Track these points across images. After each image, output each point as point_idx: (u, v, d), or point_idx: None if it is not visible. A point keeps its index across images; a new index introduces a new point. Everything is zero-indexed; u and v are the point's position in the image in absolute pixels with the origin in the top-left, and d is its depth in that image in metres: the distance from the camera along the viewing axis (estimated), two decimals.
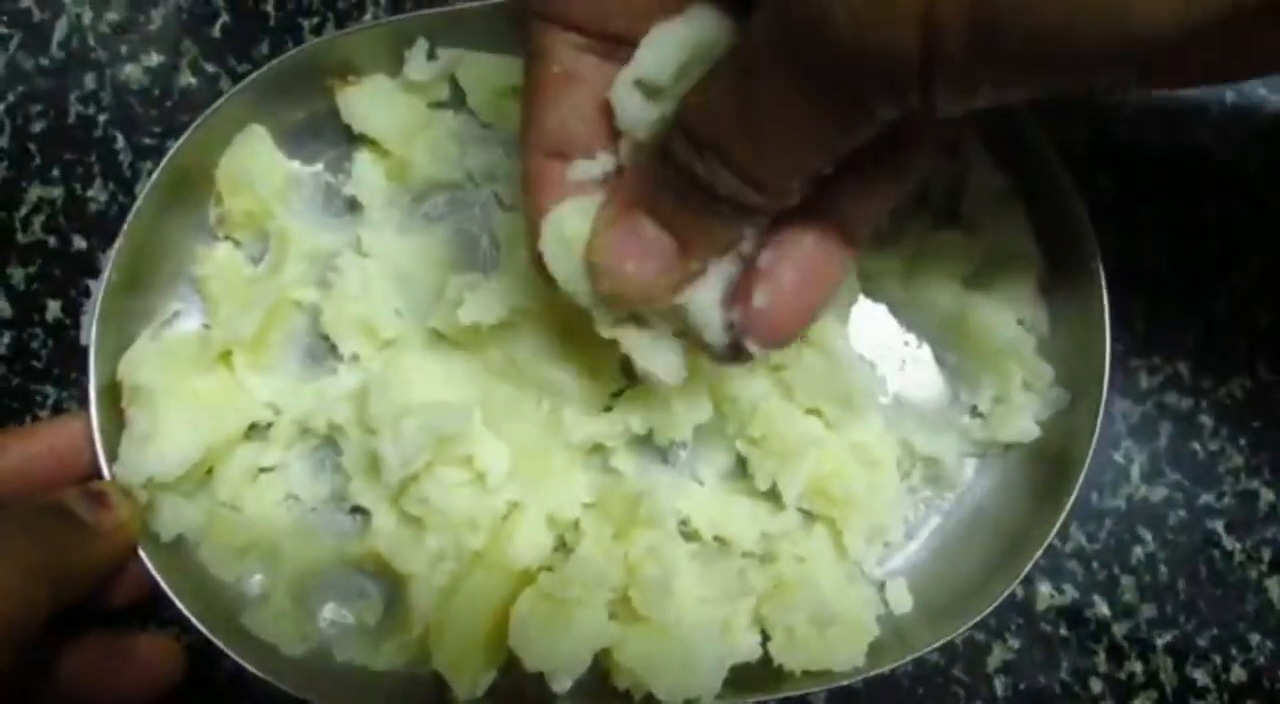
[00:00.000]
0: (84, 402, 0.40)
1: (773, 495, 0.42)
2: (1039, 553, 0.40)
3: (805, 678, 0.40)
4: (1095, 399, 0.41)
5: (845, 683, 0.40)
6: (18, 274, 0.45)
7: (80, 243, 0.45)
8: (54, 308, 0.45)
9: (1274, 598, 0.45)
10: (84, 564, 0.37)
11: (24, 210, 0.45)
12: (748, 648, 0.41)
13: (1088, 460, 0.40)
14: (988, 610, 0.40)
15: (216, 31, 0.46)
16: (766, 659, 0.41)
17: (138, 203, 0.41)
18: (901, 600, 0.42)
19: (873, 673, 0.40)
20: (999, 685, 0.45)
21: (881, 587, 0.43)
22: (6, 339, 0.45)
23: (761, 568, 0.42)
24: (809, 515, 0.43)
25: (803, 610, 0.40)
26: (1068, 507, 0.40)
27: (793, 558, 0.42)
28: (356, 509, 0.43)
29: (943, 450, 0.43)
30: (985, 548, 0.43)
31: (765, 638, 0.41)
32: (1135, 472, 0.45)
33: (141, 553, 0.39)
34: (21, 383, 0.45)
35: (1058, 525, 0.40)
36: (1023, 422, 0.42)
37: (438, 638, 0.40)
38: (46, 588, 0.34)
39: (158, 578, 0.39)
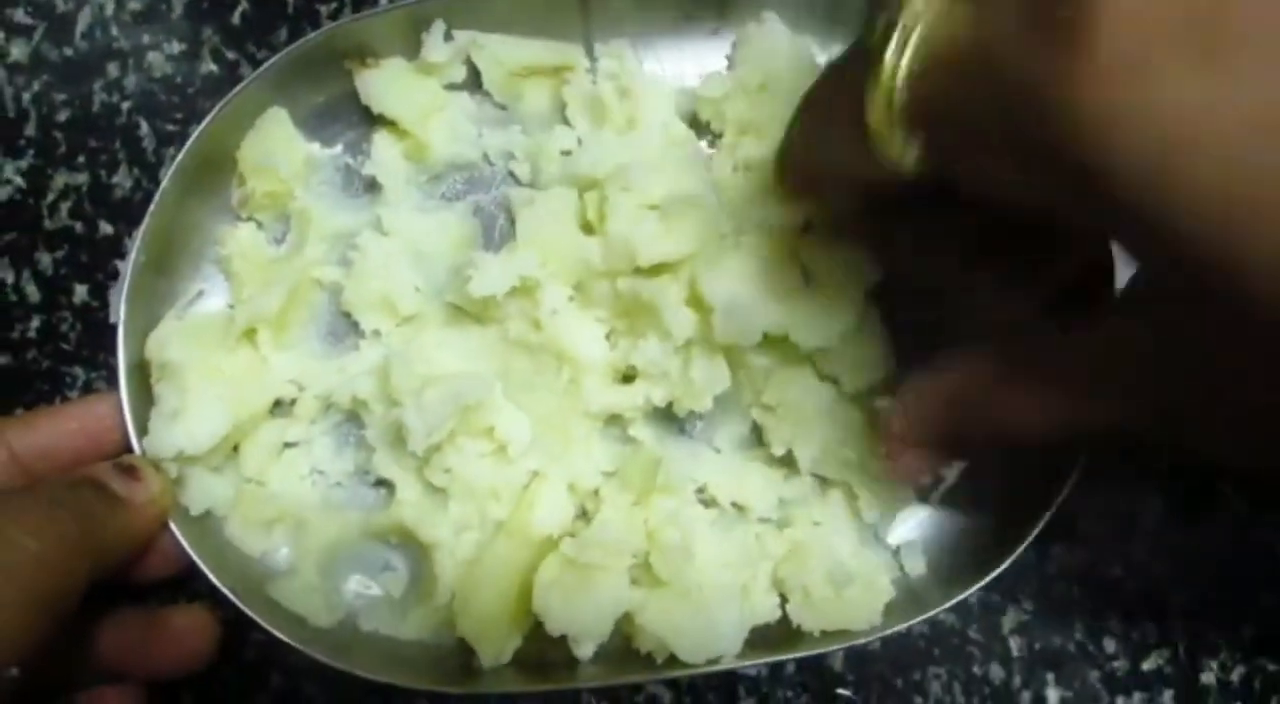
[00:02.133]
0: (113, 380, 0.41)
1: (788, 462, 0.43)
2: (1049, 514, 0.40)
3: (823, 638, 0.41)
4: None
5: (862, 642, 0.41)
6: (45, 259, 0.46)
7: (106, 228, 0.46)
8: (81, 292, 0.46)
9: None
10: (118, 537, 0.38)
11: (51, 197, 0.46)
12: (767, 609, 0.42)
13: (1066, 490, 0.40)
14: (999, 571, 0.41)
15: (236, 19, 0.47)
16: (785, 620, 0.42)
17: (162, 186, 0.41)
18: (915, 563, 0.43)
19: (889, 632, 0.41)
20: (1014, 646, 0.45)
21: (896, 550, 0.44)
22: (36, 323, 0.46)
23: (778, 533, 0.43)
24: (824, 481, 0.43)
25: (819, 573, 0.41)
26: (1077, 469, 0.41)
27: (808, 522, 0.43)
28: (380, 483, 0.44)
29: None
30: (997, 510, 0.43)
31: (784, 600, 0.42)
32: None
33: (172, 526, 0.40)
34: (51, 365, 0.46)
35: (1068, 488, 0.41)
36: None
37: (463, 606, 0.41)
38: (84, 560, 0.35)
39: (189, 550, 0.40)
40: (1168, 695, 0.45)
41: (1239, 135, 0.20)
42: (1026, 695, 0.45)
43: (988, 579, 0.41)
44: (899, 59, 0.26)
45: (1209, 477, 0.46)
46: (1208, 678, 0.45)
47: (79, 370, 0.46)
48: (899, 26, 0.26)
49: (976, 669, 0.45)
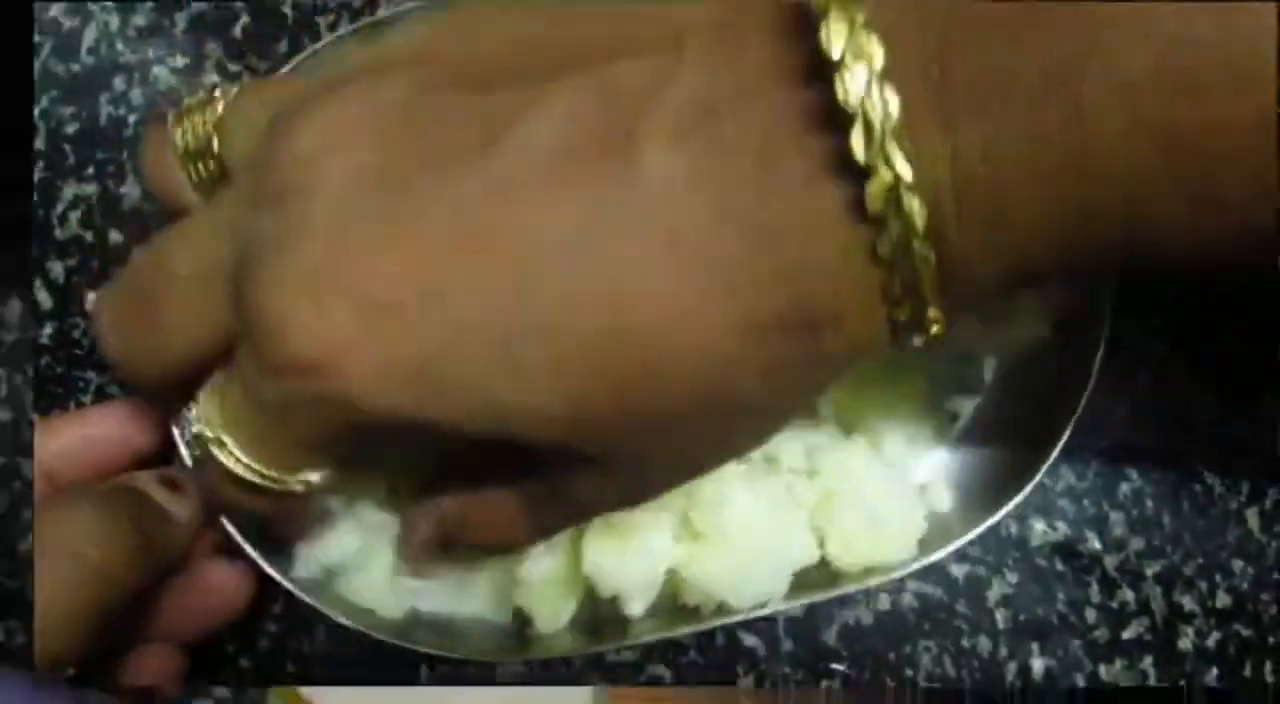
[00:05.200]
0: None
1: (811, 410, 0.44)
2: (1063, 439, 0.41)
3: (863, 574, 0.42)
4: (1095, 343, 0.42)
5: (899, 576, 0.42)
6: (57, 268, 0.47)
7: (115, 236, 0.48)
8: (93, 299, 0.47)
9: (1254, 527, 0.48)
10: (162, 553, 0.37)
11: (60, 207, 0.47)
12: (806, 554, 0.43)
13: (1082, 402, 0.42)
14: (1021, 496, 0.41)
15: (238, 32, 0.49)
16: (824, 563, 0.43)
17: None
18: (940, 498, 0.44)
19: (926, 561, 0.42)
20: (1000, 618, 0.47)
21: (923, 488, 0.45)
22: (49, 329, 0.47)
23: (809, 482, 0.44)
24: (847, 426, 0.45)
25: (852, 515, 0.43)
26: (1084, 399, 0.41)
27: (837, 468, 0.44)
28: None
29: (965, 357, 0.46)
30: (1013, 442, 0.44)
31: (821, 544, 0.43)
32: (1119, 415, 0.48)
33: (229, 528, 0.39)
34: (65, 371, 0.47)
35: (1075, 416, 0.41)
36: (1035, 324, 0.44)
37: (520, 578, 0.42)
38: (135, 572, 0.35)
39: (251, 552, 0.39)
40: (1147, 661, 0.47)
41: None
42: (1013, 666, 0.47)
43: (1011, 505, 0.42)
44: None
45: (1179, 452, 0.48)
46: (1185, 644, 0.47)
47: (92, 374, 0.47)
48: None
49: (965, 641, 0.47)
